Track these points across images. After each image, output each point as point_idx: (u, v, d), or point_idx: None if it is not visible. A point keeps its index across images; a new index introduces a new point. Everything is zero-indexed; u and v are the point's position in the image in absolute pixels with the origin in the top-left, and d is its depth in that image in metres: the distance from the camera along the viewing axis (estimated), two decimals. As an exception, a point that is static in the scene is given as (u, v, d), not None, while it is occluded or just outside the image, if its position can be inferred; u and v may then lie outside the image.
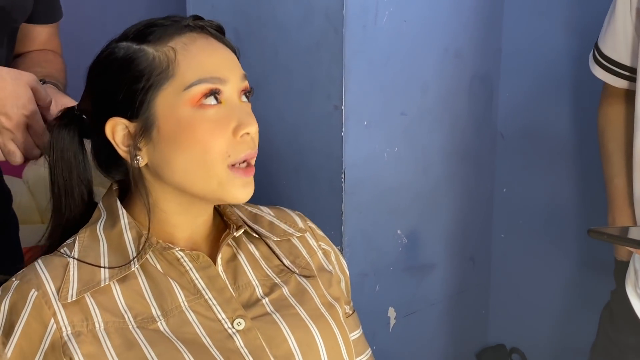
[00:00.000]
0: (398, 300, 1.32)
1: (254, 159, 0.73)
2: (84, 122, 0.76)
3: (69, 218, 0.76)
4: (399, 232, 1.30)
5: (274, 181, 1.30)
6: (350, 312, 0.86)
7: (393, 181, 1.27)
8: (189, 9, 1.38)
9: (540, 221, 1.45)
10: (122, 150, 0.72)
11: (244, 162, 0.71)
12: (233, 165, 0.70)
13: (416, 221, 1.33)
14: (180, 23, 0.72)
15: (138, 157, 0.71)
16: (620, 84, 1.01)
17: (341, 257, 0.88)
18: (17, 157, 0.80)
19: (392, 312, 1.31)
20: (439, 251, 1.39)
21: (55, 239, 0.76)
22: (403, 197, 1.29)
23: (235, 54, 0.75)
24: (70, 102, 0.84)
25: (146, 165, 0.72)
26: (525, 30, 1.43)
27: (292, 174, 1.27)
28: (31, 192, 1.93)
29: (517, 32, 1.44)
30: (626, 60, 0.98)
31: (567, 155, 1.39)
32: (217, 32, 0.75)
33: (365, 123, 1.21)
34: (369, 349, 0.86)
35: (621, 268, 1.01)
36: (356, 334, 0.84)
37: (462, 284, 1.45)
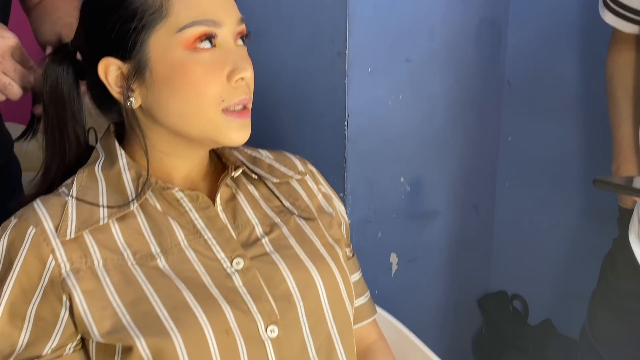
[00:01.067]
0: (400, 247, 1.34)
1: (250, 103, 0.72)
2: (77, 59, 0.75)
3: (64, 159, 0.76)
4: (402, 179, 1.31)
5: (277, 128, 1.30)
6: (350, 255, 0.87)
7: (397, 129, 1.27)
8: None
9: (545, 170, 1.45)
10: (115, 91, 0.72)
11: (239, 105, 0.71)
12: (227, 110, 0.70)
13: (420, 169, 1.33)
14: None
15: (131, 99, 0.71)
16: (631, 29, 0.99)
17: (341, 204, 0.89)
18: (15, 88, 0.79)
19: (394, 258, 1.33)
20: (442, 199, 1.40)
21: (50, 179, 0.77)
22: (407, 145, 1.30)
23: None
24: None
25: (140, 107, 0.72)
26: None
27: (295, 121, 1.27)
28: (37, 139, 1.95)
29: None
30: (637, 4, 0.95)
31: (574, 104, 1.38)
32: None
33: (370, 70, 1.20)
34: (368, 291, 0.88)
35: (625, 216, 1.01)
36: (356, 276, 0.86)
37: (464, 232, 1.47)
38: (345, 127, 1.19)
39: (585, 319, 1.07)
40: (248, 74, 0.71)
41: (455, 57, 1.34)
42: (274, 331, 0.70)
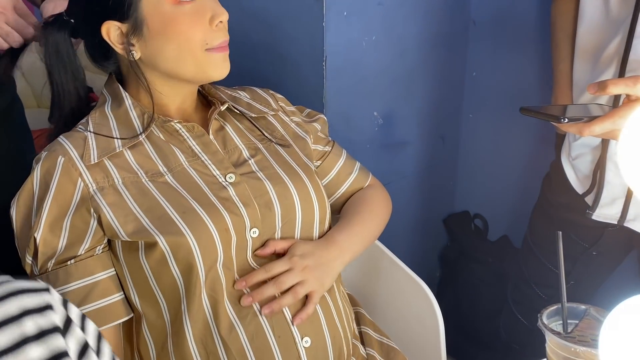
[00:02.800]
0: (374, 173, 1.46)
1: (227, 42, 0.87)
2: (72, 25, 0.89)
3: (68, 107, 0.91)
4: (375, 113, 1.44)
5: (261, 68, 1.41)
6: (330, 147, 1.04)
7: (371, 67, 1.39)
8: None
9: (505, 102, 1.58)
10: (118, 47, 0.86)
11: (219, 46, 0.85)
12: (210, 49, 0.85)
13: (391, 104, 1.46)
14: None
15: (133, 52, 0.85)
16: None
17: (309, 110, 1.06)
18: (15, 37, 0.92)
19: (368, 184, 1.48)
20: (412, 130, 1.53)
21: (61, 122, 0.91)
22: (380, 82, 1.42)
23: None
24: None
25: (139, 58, 0.86)
26: None
27: (277, 62, 1.38)
28: (26, 78, 2.03)
29: None
30: None
31: (532, 41, 1.49)
32: None
33: (345, 13, 1.30)
34: (357, 162, 1.06)
35: (560, 141, 1.17)
36: (341, 160, 1.05)
37: (432, 160, 1.61)
38: (324, 67, 1.31)
39: (527, 228, 1.24)
40: (225, 17, 0.85)
41: (424, 0, 1.44)
42: (255, 232, 0.87)
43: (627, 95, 0.80)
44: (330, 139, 1.06)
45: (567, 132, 1.12)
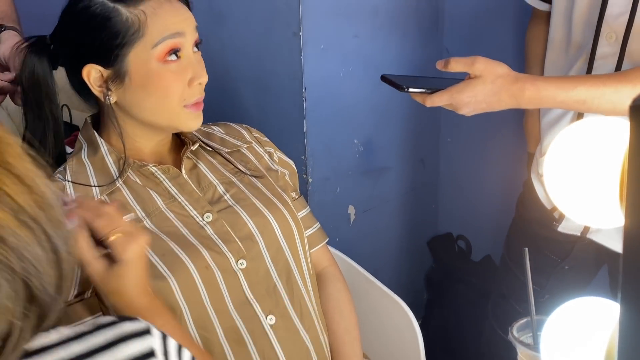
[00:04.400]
0: (357, 199, 1.52)
1: (202, 98, 0.91)
2: (53, 51, 0.90)
3: (44, 132, 0.91)
4: (355, 141, 1.48)
5: (243, 101, 1.45)
6: (297, 196, 1.06)
7: (349, 97, 1.43)
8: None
9: (481, 125, 1.62)
10: (96, 90, 0.88)
11: (194, 103, 0.89)
12: (186, 105, 0.88)
13: (371, 131, 1.50)
14: None
15: (109, 97, 0.88)
16: (544, 7, 1.17)
17: (283, 155, 1.07)
18: None
19: (351, 209, 1.52)
20: (392, 156, 1.57)
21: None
22: (359, 111, 1.46)
23: (189, 6, 0.91)
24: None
25: (115, 102, 0.89)
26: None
27: (259, 95, 1.42)
28: (12, 119, 2.06)
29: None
30: None
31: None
32: None
33: (322, 47, 1.35)
34: (317, 222, 1.07)
35: (531, 160, 1.22)
36: (304, 212, 1.05)
37: (413, 183, 1.65)
38: (303, 98, 1.35)
39: (504, 245, 1.28)
40: (204, 79, 0.89)
41: (398, 30, 1.50)
42: (243, 263, 0.89)
43: (469, 74, 0.89)
44: (298, 191, 1.08)
45: (536, 151, 1.18)
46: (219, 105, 1.46)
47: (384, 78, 0.94)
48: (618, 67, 0.96)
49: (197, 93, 0.89)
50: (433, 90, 0.91)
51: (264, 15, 1.35)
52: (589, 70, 0.99)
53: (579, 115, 1.02)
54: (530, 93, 0.87)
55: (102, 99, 0.88)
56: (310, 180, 1.40)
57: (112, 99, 0.88)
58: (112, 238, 0.70)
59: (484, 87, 0.87)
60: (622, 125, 0.40)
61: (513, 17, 1.52)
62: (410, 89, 0.90)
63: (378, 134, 1.52)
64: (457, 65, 0.89)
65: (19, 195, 0.50)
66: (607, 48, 0.97)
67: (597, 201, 0.40)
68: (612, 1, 0.95)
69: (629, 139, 0.35)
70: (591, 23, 0.98)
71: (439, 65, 0.91)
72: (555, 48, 1.08)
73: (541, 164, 1.14)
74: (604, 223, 0.41)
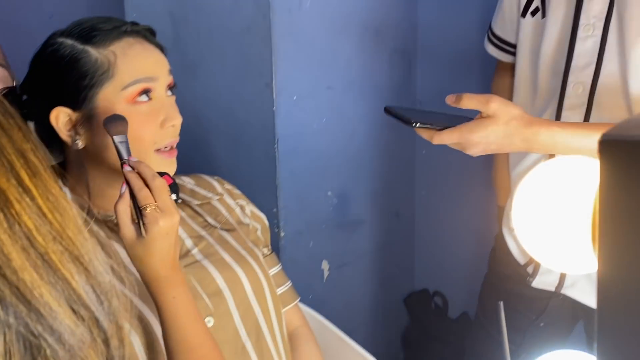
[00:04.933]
0: (331, 254, 1.48)
1: (176, 142, 0.87)
2: (25, 102, 0.87)
3: None
4: (329, 193, 1.45)
5: (215, 152, 1.43)
6: (269, 252, 1.02)
7: (322, 149, 1.42)
8: (127, -7, 1.47)
9: (455, 178, 1.62)
10: (63, 134, 0.84)
11: (168, 146, 0.85)
12: (159, 150, 0.84)
13: (345, 183, 1.48)
14: (120, 29, 0.84)
15: (77, 141, 0.83)
16: (508, 59, 1.18)
17: (256, 209, 1.03)
18: None
19: (325, 265, 1.47)
20: (367, 208, 1.55)
21: None
22: (332, 162, 1.44)
23: (163, 51, 0.89)
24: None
25: (84, 147, 0.84)
26: (440, 7, 1.58)
27: (231, 146, 1.40)
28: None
29: (432, 9, 1.59)
30: (511, 38, 1.14)
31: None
32: (150, 35, 0.88)
33: (295, 98, 1.34)
34: (289, 281, 1.02)
35: (501, 213, 1.20)
36: (276, 269, 1.01)
37: (388, 237, 1.62)
38: (276, 150, 1.33)
39: (477, 303, 1.25)
40: (178, 121, 0.85)
41: (371, 82, 1.51)
42: (210, 321, 0.84)
43: (481, 113, 0.85)
44: (270, 247, 1.04)
45: (507, 205, 1.16)
46: (189, 157, 1.43)
47: (387, 110, 0.87)
48: (586, 118, 0.96)
49: (171, 136, 0.85)
50: (442, 127, 0.86)
51: (236, 66, 1.35)
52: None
53: None
54: (544, 138, 0.83)
55: (70, 144, 0.84)
56: (282, 234, 1.36)
57: (81, 143, 0.83)
58: (148, 210, 0.73)
59: (497, 129, 0.83)
60: (592, 165, 0.37)
61: (480, 72, 1.54)
62: (419, 125, 0.85)
63: (352, 185, 1.50)
64: (470, 102, 0.85)
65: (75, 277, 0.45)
66: (575, 99, 0.97)
67: (570, 245, 0.37)
68: (577, 52, 0.96)
69: (599, 177, 0.32)
70: (557, 74, 0.99)
71: (450, 100, 0.86)
72: (521, 99, 1.08)
73: (515, 195, 1.12)
74: (578, 268, 0.38)
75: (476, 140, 0.84)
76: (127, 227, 0.74)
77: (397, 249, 1.66)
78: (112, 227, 0.87)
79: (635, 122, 0.34)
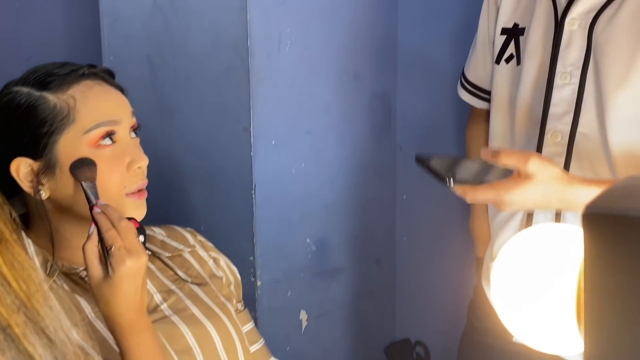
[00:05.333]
0: (309, 303, 1.43)
1: (145, 185, 0.84)
2: None
3: None
4: (308, 240, 1.42)
5: (190, 198, 1.39)
6: (242, 308, 0.98)
7: (301, 194, 1.39)
8: (103, 36, 1.45)
9: (438, 224, 1.60)
10: (26, 185, 0.81)
11: (137, 190, 0.83)
12: (129, 194, 0.82)
13: (324, 229, 1.45)
14: (77, 72, 0.82)
15: (41, 192, 0.80)
16: (482, 105, 1.17)
17: (230, 263, 1.00)
18: None
19: (303, 315, 1.43)
20: (346, 256, 1.51)
21: None
22: (311, 208, 1.41)
23: (124, 93, 0.86)
24: None
25: (48, 197, 0.81)
26: (419, 50, 1.58)
27: (207, 191, 1.36)
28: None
29: (411, 53, 1.59)
30: (486, 85, 1.14)
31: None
32: (109, 77, 0.85)
33: (273, 142, 1.32)
34: (262, 338, 0.98)
35: (480, 265, 1.18)
36: (248, 326, 0.96)
37: (369, 285, 1.58)
38: (253, 196, 1.30)
39: (456, 357, 1.20)
40: (144, 163, 0.83)
41: (351, 127, 1.49)
42: None
43: (518, 170, 0.81)
44: (242, 302, 1.01)
45: (485, 256, 1.13)
46: (164, 203, 1.40)
47: (420, 160, 0.82)
48: (566, 167, 0.94)
49: (139, 179, 0.83)
50: (477, 182, 0.81)
51: (214, 110, 1.33)
52: None
53: (529, 215, 0.99)
54: (583, 198, 0.79)
55: (33, 195, 0.80)
56: (259, 283, 1.31)
57: (44, 194, 0.80)
58: (114, 250, 0.72)
59: (536, 191, 0.79)
60: (577, 235, 0.35)
61: (459, 117, 1.53)
62: (454, 183, 0.79)
63: (331, 232, 1.47)
64: (508, 159, 0.81)
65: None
66: (553, 148, 0.96)
67: (554, 325, 0.34)
68: (554, 100, 0.95)
69: (584, 253, 0.30)
70: (535, 122, 0.98)
71: (486, 155, 0.82)
72: (497, 146, 1.06)
73: (493, 269, 1.09)
74: (564, 349, 0.35)
75: (513, 199, 0.81)
76: (95, 267, 0.72)
77: (377, 297, 1.62)
78: (76, 280, 0.83)
79: (620, 191, 0.32)
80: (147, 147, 1.39)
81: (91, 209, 0.75)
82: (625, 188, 0.32)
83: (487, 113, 1.11)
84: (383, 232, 1.62)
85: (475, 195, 0.82)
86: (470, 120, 1.23)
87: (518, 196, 0.81)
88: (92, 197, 0.77)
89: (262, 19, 1.28)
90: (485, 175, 0.82)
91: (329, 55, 1.41)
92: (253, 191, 1.29)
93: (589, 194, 0.79)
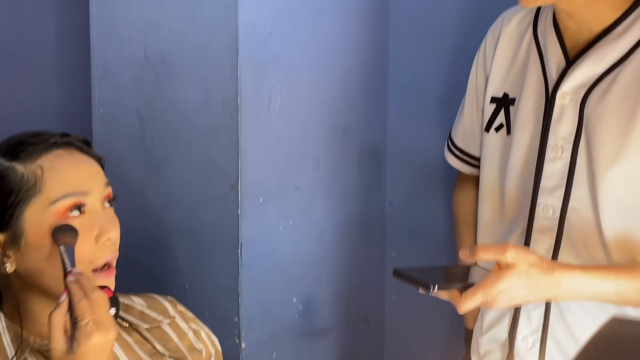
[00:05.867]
0: (295, 365, 1.40)
1: (115, 259, 0.82)
2: None
3: None
4: (294, 299, 1.39)
5: (175, 255, 1.36)
6: None
7: (288, 252, 1.36)
8: (94, 88, 1.45)
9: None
10: None
11: (105, 265, 0.80)
12: (95, 270, 0.79)
13: (311, 288, 1.42)
14: (48, 141, 0.81)
15: (6, 264, 0.78)
16: (470, 171, 1.16)
17: (211, 334, 0.97)
18: None
19: (289, 377, 1.39)
20: (334, 315, 1.48)
21: None
22: (298, 266, 1.39)
23: (100, 162, 0.84)
24: None
25: (14, 270, 0.79)
26: (409, 105, 1.59)
27: (192, 249, 1.34)
28: None
29: (402, 108, 1.59)
30: (474, 151, 1.13)
31: (447, 225, 1.53)
32: (84, 146, 0.84)
33: (261, 200, 1.30)
34: None
35: (468, 337, 1.14)
36: None
37: (357, 345, 1.54)
38: (239, 255, 1.27)
39: None
40: (114, 234, 0.81)
41: (340, 183, 1.48)
42: None
43: (498, 263, 0.81)
44: None
45: (474, 328, 1.10)
46: (149, 258, 1.37)
47: (398, 273, 0.85)
48: (557, 243, 0.92)
49: (108, 252, 0.80)
50: (462, 287, 0.82)
51: (201, 166, 1.31)
52: (527, 244, 0.95)
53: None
54: (568, 284, 0.81)
55: None
56: (243, 345, 1.28)
57: (10, 267, 0.78)
58: (82, 323, 0.69)
59: (519, 279, 0.80)
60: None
61: (448, 175, 1.53)
62: (438, 289, 0.80)
63: (319, 291, 1.44)
64: (486, 254, 0.82)
65: None
66: (545, 222, 0.94)
67: None
68: (546, 174, 0.94)
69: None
70: (526, 194, 0.96)
71: (464, 255, 0.83)
72: (487, 216, 1.04)
73: (483, 344, 1.06)
74: None
75: (500, 293, 0.81)
76: (58, 340, 0.70)
77: (365, 357, 1.58)
78: (48, 356, 0.79)
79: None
80: (134, 200, 1.38)
81: (65, 275, 0.73)
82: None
83: (476, 179, 1.09)
84: (372, 290, 1.59)
85: (466, 304, 0.82)
86: (458, 186, 1.22)
87: (505, 287, 0.80)
88: (67, 264, 0.74)
89: (253, 76, 1.28)
90: (468, 278, 0.83)
91: (319, 111, 1.41)
92: (239, 250, 1.27)
93: (575, 280, 0.79)
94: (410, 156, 1.59)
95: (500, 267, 0.81)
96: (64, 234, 0.76)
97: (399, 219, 1.59)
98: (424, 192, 1.57)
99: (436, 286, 0.80)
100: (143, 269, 1.35)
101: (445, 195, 1.54)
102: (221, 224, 1.28)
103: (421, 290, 0.80)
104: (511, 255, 0.80)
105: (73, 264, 0.74)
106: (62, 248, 0.74)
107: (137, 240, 1.36)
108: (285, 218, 1.35)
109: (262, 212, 1.30)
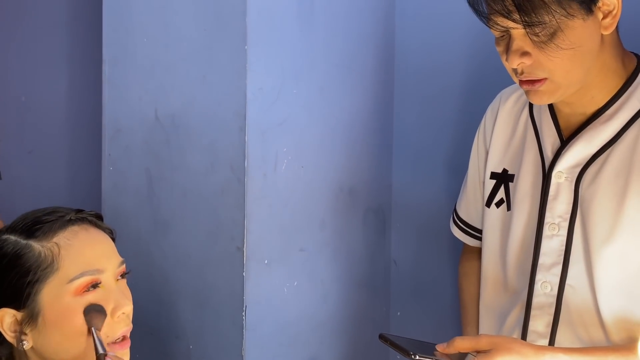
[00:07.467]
0: None
1: (129, 331, 0.83)
2: None
3: None
4: (298, 363, 1.38)
5: (180, 316, 1.36)
6: None
7: (293, 314, 1.36)
8: (104, 146, 1.48)
9: (431, 341, 1.56)
10: (9, 336, 0.80)
11: (120, 337, 0.81)
12: (111, 343, 0.80)
13: (316, 350, 1.41)
14: (64, 218, 0.83)
15: (24, 342, 0.79)
16: (474, 243, 1.16)
17: None
18: None
19: None
20: (338, 376, 1.47)
21: None
22: (303, 329, 1.38)
23: (112, 235, 0.86)
24: None
25: (31, 347, 0.80)
26: (413, 167, 1.61)
27: (197, 310, 1.34)
28: None
29: (406, 169, 1.61)
30: (478, 224, 1.14)
31: (452, 287, 1.52)
32: (98, 220, 0.85)
33: (266, 262, 1.31)
34: None
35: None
36: None
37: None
38: (244, 317, 1.27)
39: None
40: (128, 308, 0.82)
41: (344, 243, 1.49)
42: None
43: (477, 352, 0.84)
44: None
45: None
46: (153, 318, 1.37)
47: (383, 338, 0.91)
48: (555, 319, 0.93)
49: (123, 325, 0.82)
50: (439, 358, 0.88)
51: (208, 228, 1.32)
52: (526, 320, 0.95)
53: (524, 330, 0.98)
54: None
55: (16, 345, 0.80)
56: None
57: (28, 344, 0.79)
58: None
59: (511, 356, 0.83)
60: None
61: (452, 241, 1.53)
62: (419, 357, 0.87)
63: (323, 352, 1.43)
64: (462, 344, 0.87)
65: None
66: (544, 298, 0.95)
67: None
68: (543, 250, 0.95)
69: None
70: (525, 270, 0.97)
71: (441, 348, 0.88)
72: (489, 291, 1.05)
73: None
74: None
75: None
76: None
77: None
78: None
79: None
80: (140, 259, 1.39)
81: (98, 358, 0.74)
82: None
83: (480, 250, 1.10)
84: (376, 351, 1.58)
85: None
86: (464, 257, 1.23)
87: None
88: (100, 347, 0.75)
89: (260, 140, 1.30)
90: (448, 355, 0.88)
91: (325, 172, 1.43)
92: (244, 312, 1.27)
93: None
94: (415, 215, 1.60)
95: (479, 355, 0.85)
96: (94, 315, 0.77)
97: (404, 279, 1.59)
98: (429, 252, 1.57)
99: (417, 355, 0.86)
100: (147, 328, 1.35)
101: (450, 254, 1.54)
102: (226, 285, 1.29)
103: (404, 356, 0.84)
104: (486, 340, 0.84)
105: (103, 348, 0.75)
106: (94, 330, 0.76)
107: (142, 299, 1.37)
108: (290, 279, 1.36)
109: (267, 274, 1.31)
